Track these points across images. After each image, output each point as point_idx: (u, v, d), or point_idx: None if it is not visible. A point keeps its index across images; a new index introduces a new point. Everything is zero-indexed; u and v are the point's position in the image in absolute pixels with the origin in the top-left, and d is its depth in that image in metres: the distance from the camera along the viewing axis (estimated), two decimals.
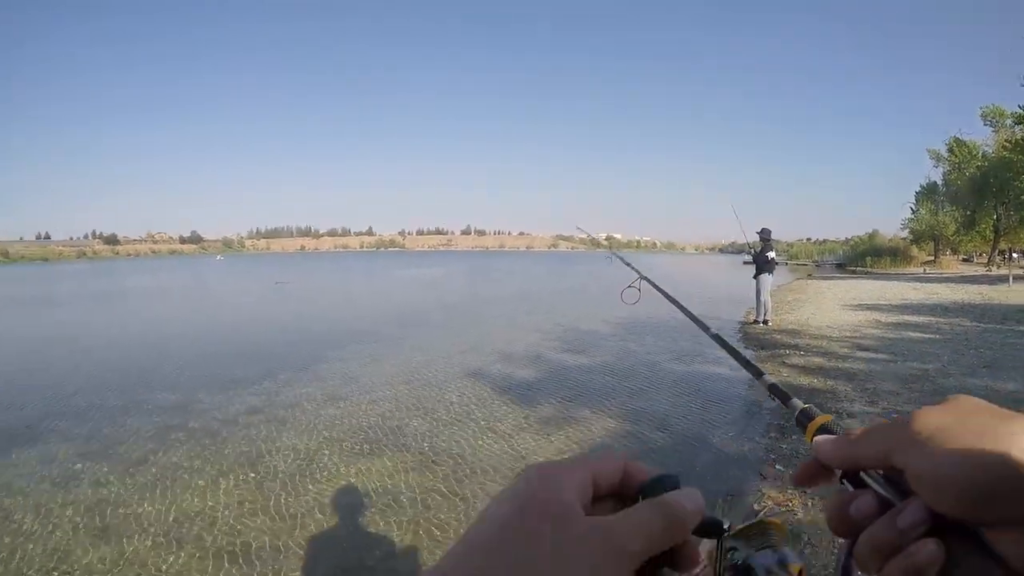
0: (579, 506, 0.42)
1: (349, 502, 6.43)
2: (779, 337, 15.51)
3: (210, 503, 6.47)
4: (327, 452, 7.78)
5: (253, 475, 7.14)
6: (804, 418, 0.72)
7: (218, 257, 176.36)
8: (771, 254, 18.24)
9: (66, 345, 18.01)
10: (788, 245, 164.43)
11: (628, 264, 3.21)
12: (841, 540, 0.52)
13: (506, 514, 0.41)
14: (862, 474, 0.51)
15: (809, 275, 55.44)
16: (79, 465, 7.76)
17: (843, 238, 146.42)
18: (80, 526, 6.14)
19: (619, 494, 0.48)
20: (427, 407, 9.73)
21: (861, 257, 77.45)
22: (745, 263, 19.20)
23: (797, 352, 13.34)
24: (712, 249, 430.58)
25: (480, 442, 8.15)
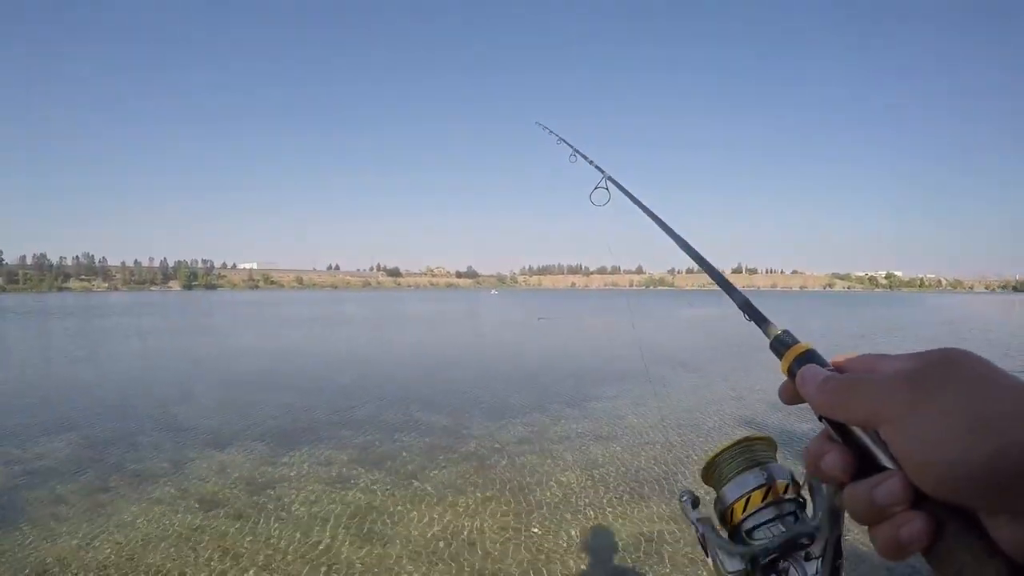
0: None
1: (606, 545, 5.99)
2: None
3: (470, 525, 6.46)
4: (591, 491, 7.46)
5: (516, 504, 7.03)
6: (779, 345, 0.60)
7: (493, 291, 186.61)
8: None
9: (348, 360, 20.06)
10: None
11: None
12: None
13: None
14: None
15: None
16: (354, 471, 8.29)
17: None
18: (346, 525, 6.46)
19: None
20: (697, 455, 9.11)
21: None
22: None
23: None
24: (1005, 287, 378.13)
25: None
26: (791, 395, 0.55)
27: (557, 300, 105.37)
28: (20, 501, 7.39)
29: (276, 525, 6.54)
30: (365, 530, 6.38)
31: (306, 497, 7.34)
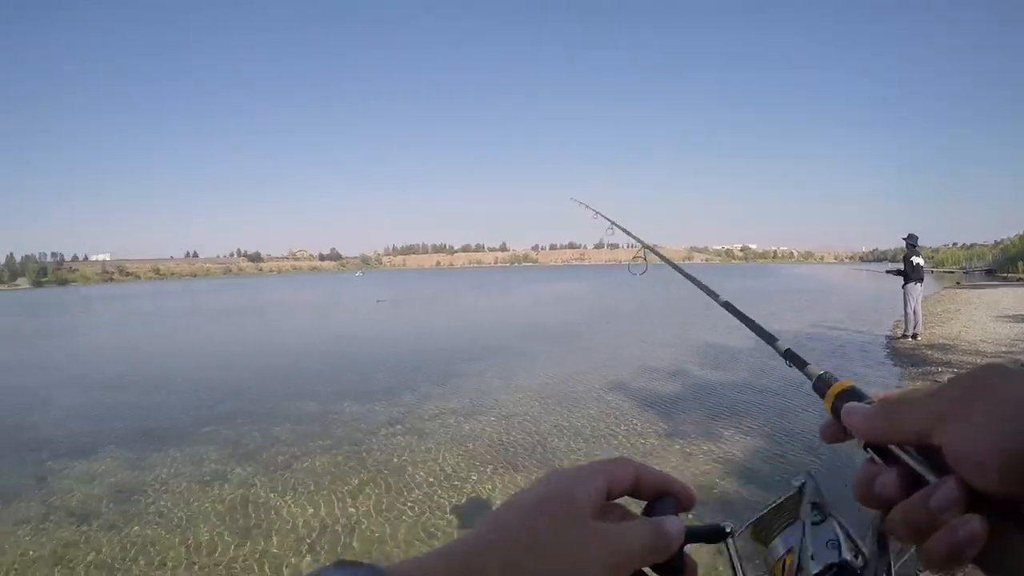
0: (590, 508, 0.48)
1: (483, 517, 6.41)
2: (930, 353, 14.42)
3: (350, 510, 6.69)
4: (465, 467, 7.85)
5: (392, 485, 7.29)
6: (822, 384, 0.67)
7: (358, 273, 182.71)
8: (918, 259, 16.89)
9: (210, 356, 19.49)
10: (933, 251, 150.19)
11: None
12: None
13: (525, 505, 0.48)
14: (891, 446, 0.49)
15: (957, 283, 50.91)
16: (226, 467, 8.28)
17: (992, 241, 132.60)
18: (225, 523, 6.52)
19: (633, 495, 0.53)
20: (566, 424, 9.67)
21: (1013, 262, 71.06)
22: (888, 272, 17.93)
23: (950, 370, 12.32)
24: (852, 258, 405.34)
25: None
26: (835, 433, 0.57)
27: (421, 280, 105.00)
28: None
29: (153, 530, 6.50)
30: (244, 525, 6.48)
31: (180, 498, 7.30)
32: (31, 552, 6.20)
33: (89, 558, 6.00)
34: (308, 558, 5.72)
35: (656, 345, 17.63)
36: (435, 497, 6.95)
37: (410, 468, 7.83)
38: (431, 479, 7.47)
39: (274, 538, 6.13)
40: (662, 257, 1.64)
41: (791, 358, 0.87)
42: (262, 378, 14.69)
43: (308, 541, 6.05)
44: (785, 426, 9.09)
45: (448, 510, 6.62)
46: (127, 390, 13.92)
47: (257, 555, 5.81)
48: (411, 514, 6.54)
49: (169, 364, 18.24)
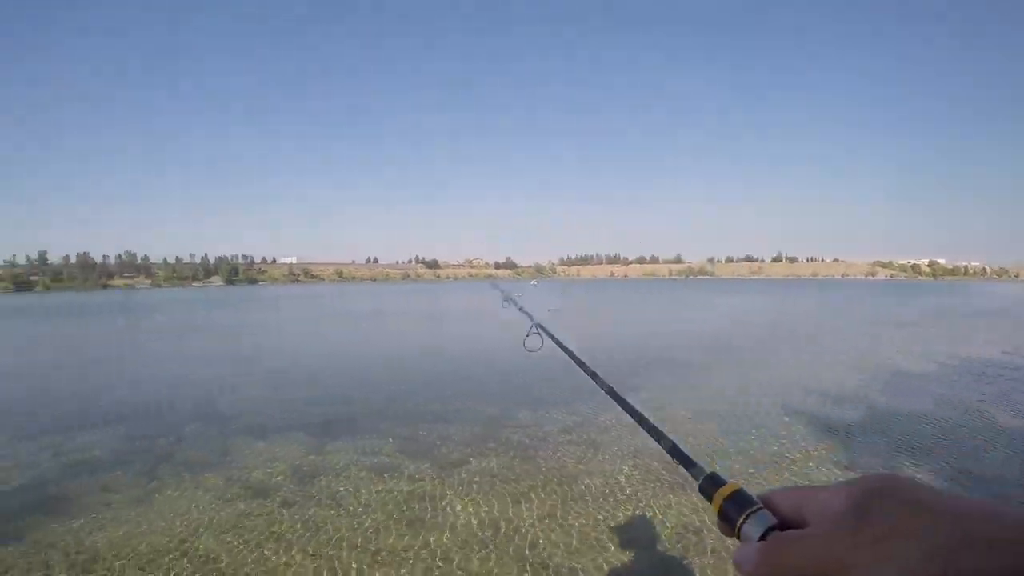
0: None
1: (650, 536, 5.97)
2: None
3: (518, 513, 6.51)
4: (639, 481, 7.40)
5: (564, 493, 7.03)
6: (709, 486, 0.61)
7: (533, 282, 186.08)
8: None
9: (390, 352, 20.18)
10: None
11: None
12: None
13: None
14: None
15: None
16: (400, 460, 8.40)
17: None
18: (394, 513, 6.55)
19: None
20: (742, 446, 8.88)
21: None
22: None
23: None
24: None
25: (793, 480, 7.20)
26: (728, 533, 0.55)
27: (594, 290, 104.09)
28: (70, 491, 7.61)
29: (325, 511, 6.66)
30: (411, 517, 6.46)
31: (354, 485, 7.47)
32: (211, 518, 6.59)
33: (264, 529, 6.23)
34: (477, 555, 5.59)
35: (831, 368, 16.04)
36: (607, 509, 6.57)
37: (585, 479, 7.51)
38: (605, 490, 7.08)
39: (441, 532, 6.06)
40: (552, 336, 1.55)
41: (676, 455, 0.80)
42: (439, 379, 14.91)
43: (476, 538, 5.90)
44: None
45: (612, 524, 6.23)
46: (312, 383, 14.71)
47: (424, 547, 5.75)
48: (581, 523, 6.20)
49: (351, 361, 19.19)
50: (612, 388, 1.28)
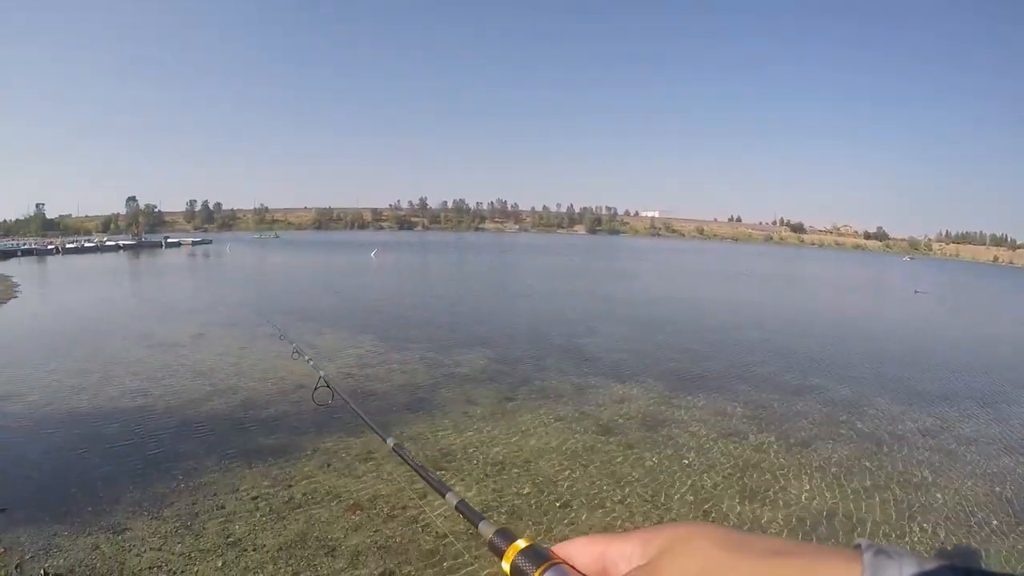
0: None
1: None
2: None
3: (857, 508, 6.22)
4: (993, 508, 6.43)
5: (907, 501, 6.45)
6: (500, 541, 0.60)
7: (906, 258, 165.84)
8: None
9: (753, 315, 20.63)
10: None
11: None
12: None
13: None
14: None
15: None
16: (745, 425, 8.59)
17: None
18: (732, 477, 6.78)
19: None
20: None
21: None
22: None
23: None
24: None
25: None
26: None
27: (974, 274, 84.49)
28: (439, 398, 9.28)
29: (661, 461, 7.15)
30: (748, 486, 6.61)
31: (696, 441, 7.86)
32: (558, 444, 7.47)
33: (604, 465, 6.92)
34: (810, 538, 5.44)
35: None
36: (951, 530, 5.93)
37: (937, 493, 6.76)
38: (958, 511, 6.34)
39: (776, 509, 6.11)
40: (337, 392, 2.19)
41: (464, 510, 0.84)
42: (798, 350, 14.61)
43: (806, 523, 5.86)
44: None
45: (965, 551, 5.59)
46: (677, 335, 15.58)
47: (753, 517, 5.89)
48: (920, 536, 5.77)
49: (719, 319, 19.49)
50: (398, 444, 1.40)
